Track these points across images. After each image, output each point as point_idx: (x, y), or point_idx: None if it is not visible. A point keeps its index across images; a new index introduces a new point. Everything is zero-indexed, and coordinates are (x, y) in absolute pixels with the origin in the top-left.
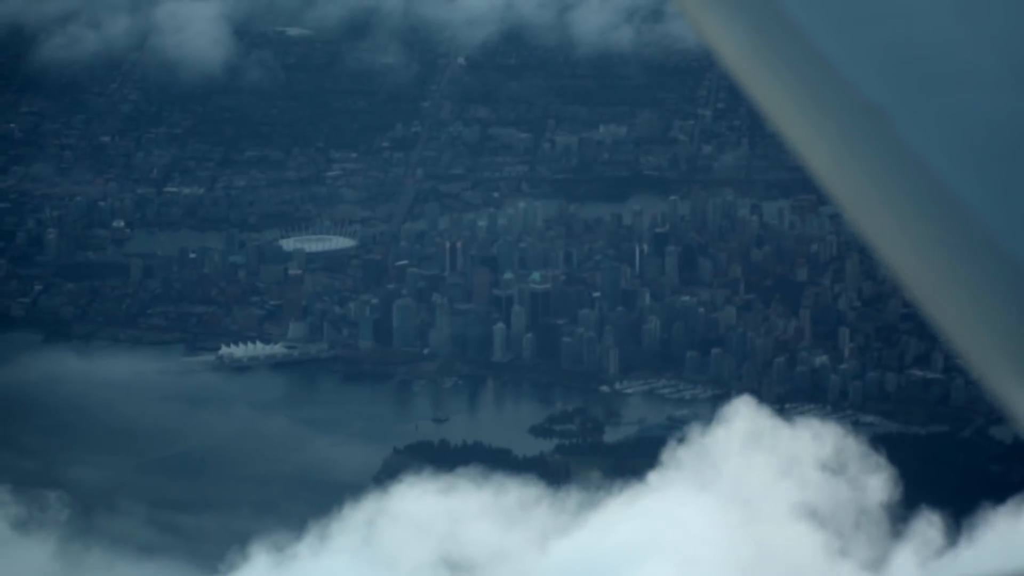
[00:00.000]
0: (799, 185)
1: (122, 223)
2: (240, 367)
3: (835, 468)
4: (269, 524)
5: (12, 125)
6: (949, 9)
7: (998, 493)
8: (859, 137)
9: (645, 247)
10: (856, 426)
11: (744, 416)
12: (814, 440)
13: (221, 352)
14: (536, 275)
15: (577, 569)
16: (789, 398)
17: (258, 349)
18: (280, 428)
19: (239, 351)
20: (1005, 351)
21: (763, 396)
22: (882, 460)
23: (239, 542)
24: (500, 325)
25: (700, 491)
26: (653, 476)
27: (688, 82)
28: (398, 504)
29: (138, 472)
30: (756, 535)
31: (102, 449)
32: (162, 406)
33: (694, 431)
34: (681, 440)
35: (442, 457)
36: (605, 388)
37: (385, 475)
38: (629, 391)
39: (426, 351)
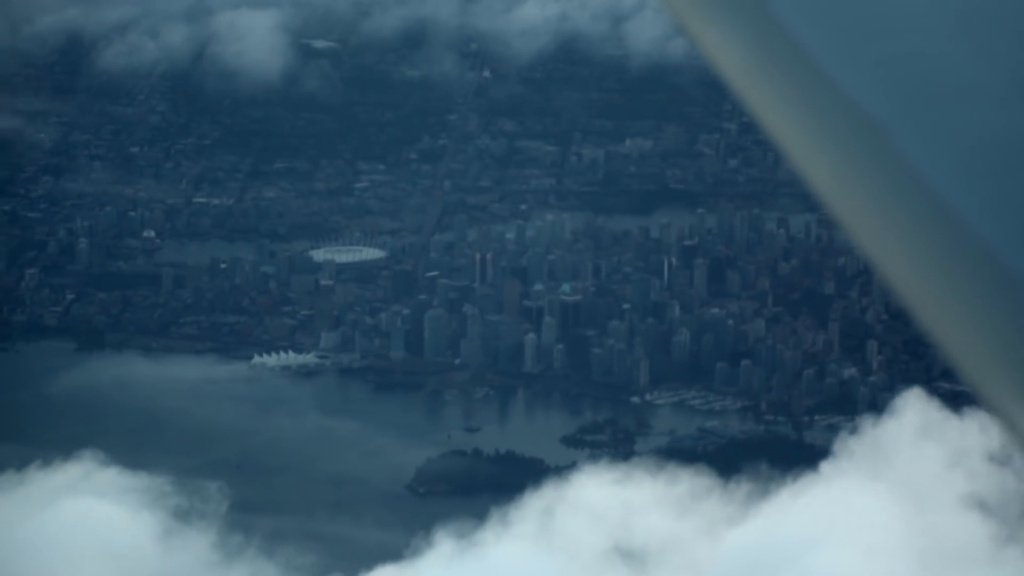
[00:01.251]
0: None
1: (152, 233)
2: (307, 372)
3: (1002, 460)
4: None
5: (42, 135)
6: (949, 23)
7: None
8: (858, 152)
9: (673, 259)
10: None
11: (914, 408)
12: (981, 432)
13: (253, 362)
14: (566, 286)
15: (754, 556)
16: (818, 410)
17: (290, 359)
18: (354, 431)
19: (271, 360)
20: (1003, 366)
21: (792, 408)
22: None
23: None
24: (531, 336)
25: (872, 480)
26: (825, 466)
27: (713, 96)
28: (575, 493)
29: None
30: (927, 524)
31: (191, 450)
32: (237, 408)
33: (864, 422)
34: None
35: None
36: (635, 399)
37: (418, 483)
38: (659, 402)
39: (457, 361)
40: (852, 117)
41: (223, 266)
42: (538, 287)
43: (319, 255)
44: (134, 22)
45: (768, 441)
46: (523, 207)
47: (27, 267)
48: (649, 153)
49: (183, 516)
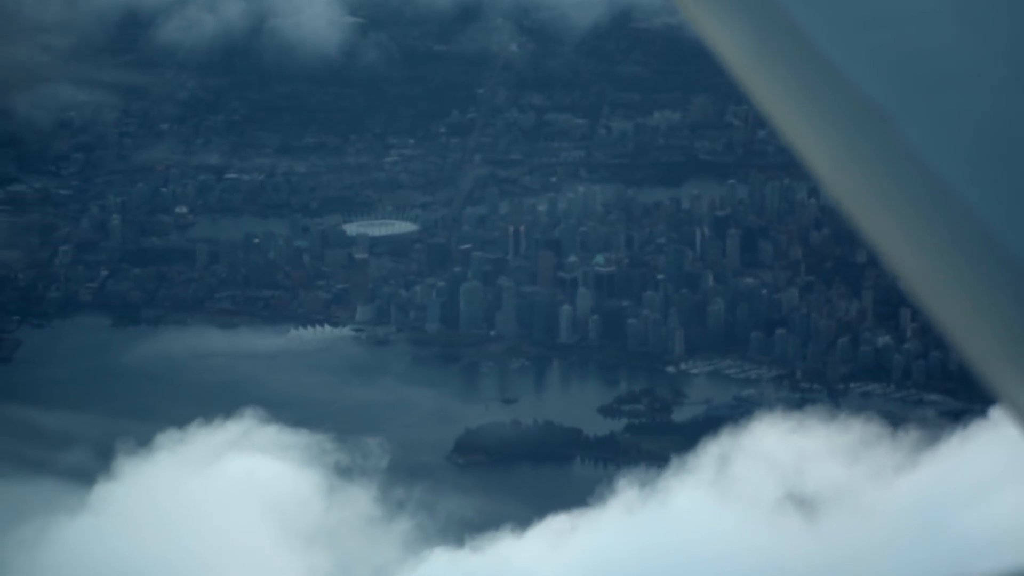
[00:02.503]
0: None
1: (185, 209)
2: (378, 341)
3: None
4: None
5: (72, 113)
6: (951, 10)
7: None
8: (860, 138)
9: (706, 230)
10: (920, 405)
11: None
12: None
13: (290, 335)
14: (600, 258)
15: (929, 501)
16: (853, 378)
17: (326, 332)
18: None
19: (307, 334)
20: (1006, 350)
21: (827, 376)
22: None
23: None
24: (566, 307)
25: None
26: (994, 411)
27: None
28: (749, 441)
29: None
30: None
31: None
32: (315, 377)
33: None
34: None
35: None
36: (671, 369)
37: (457, 454)
38: (694, 372)
39: (493, 333)
40: (854, 103)
41: (256, 241)
42: (571, 259)
43: (352, 229)
44: None
45: (804, 409)
46: (553, 179)
47: (61, 244)
48: (678, 125)
49: (344, 472)
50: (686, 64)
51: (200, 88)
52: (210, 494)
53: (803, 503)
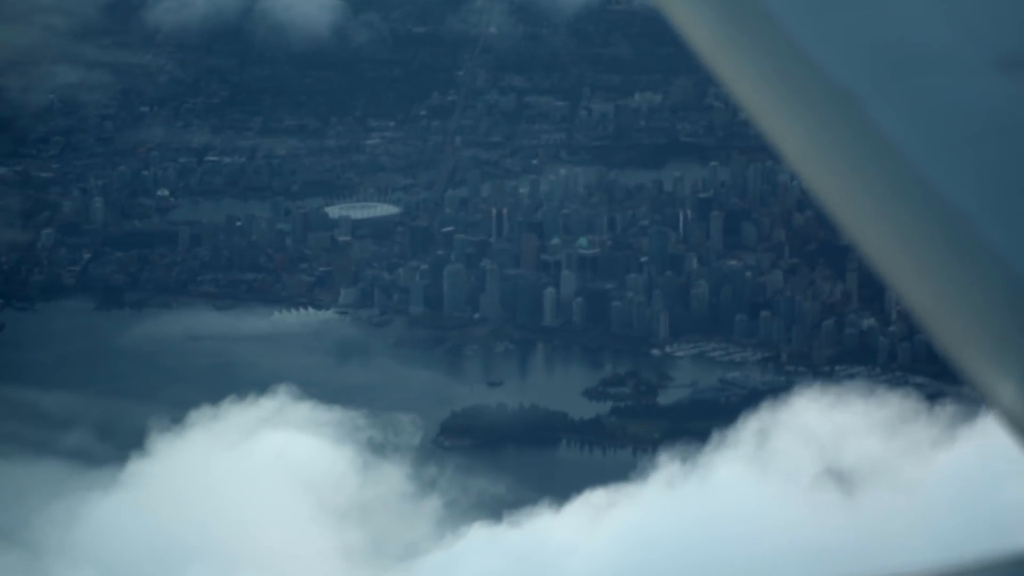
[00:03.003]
0: None
1: (166, 192)
2: (377, 323)
3: None
4: None
5: (52, 96)
6: None
7: None
8: (829, 121)
9: (688, 212)
10: (905, 387)
11: None
12: None
13: (274, 318)
14: (583, 240)
15: (967, 474)
16: (839, 360)
17: (310, 315)
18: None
19: (291, 317)
20: (980, 337)
21: (813, 358)
22: None
23: None
24: (550, 290)
25: None
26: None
27: None
28: (788, 415)
29: None
30: None
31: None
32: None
33: None
34: None
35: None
36: (655, 351)
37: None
38: (679, 354)
39: (476, 316)
40: (823, 86)
41: (239, 224)
42: (555, 241)
43: (334, 212)
44: None
45: (790, 391)
46: (535, 162)
47: (43, 227)
48: (658, 107)
49: (377, 448)
50: (666, 46)
51: (180, 70)
52: (244, 471)
53: (841, 477)
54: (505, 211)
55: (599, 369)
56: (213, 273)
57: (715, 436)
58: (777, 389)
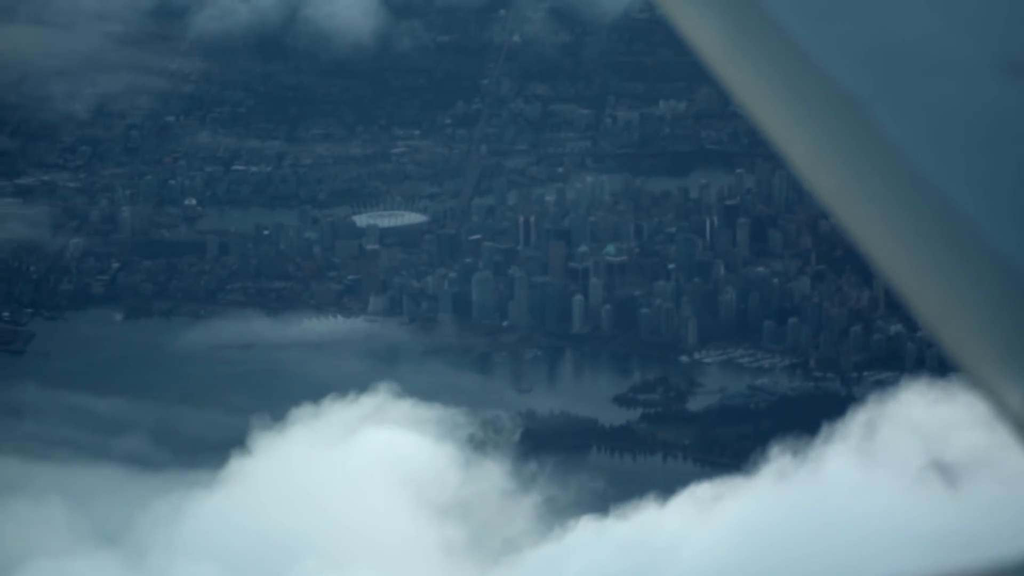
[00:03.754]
0: None
1: (194, 201)
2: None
3: None
4: None
5: (77, 105)
6: None
7: None
8: (836, 127)
9: (715, 219)
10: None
11: None
12: None
13: (303, 327)
14: (611, 248)
15: None
16: (867, 366)
17: (339, 323)
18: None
19: (320, 325)
20: (986, 342)
21: (841, 364)
22: None
23: None
24: (578, 297)
25: None
26: None
27: None
28: (895, 409)
29: None
30: None
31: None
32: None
33: None
34: None
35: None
36: (684, 358)
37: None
38: (708, 361)
39: (505, 323)
40: (830, 93)
41: (266, 232)
42: (582, 249)
43: (361, 220)
44: None
45: (819, 397)
46: (560, 170)
47: (71, 237)
48: (683, 115)
49: (478, 446)
50: (689, 54)
51: (205, 80)
52: (347, 468)
53: (946, 470)
54: (532, 219)
55: (629, 376)
56: (242, 282)
57: (824, 429)
58: (806, 395)
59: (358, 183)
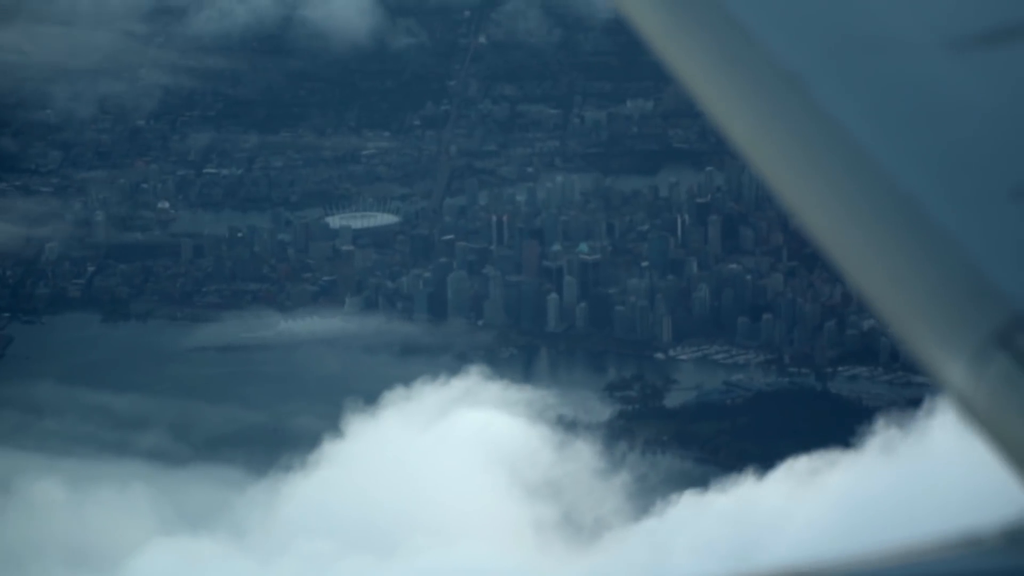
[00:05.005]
0: None
1: (167, 204)
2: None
3: None
4: None
5: (48, 111)
6: None
7: None
8: (778, 106)
9: (686, 217)
10: (908, 387)
11: None
12: None
13: (279, 328)
14: (584, 246)
15: None
16: (841, 361)
17: (315, 324)
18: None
19: (297, 326)
20: (928, 318)
21: (815, 359)
22: None
23: None
24: (553, 296)
25: None
26: None
27: None
28: None
29: None
30: None
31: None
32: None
33: None
34: None
35: None
36: (659, 355)
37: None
38: (683, 358)
39: (480, 323)
40: (772, 71)
41: (240, 235)
42: (555, 247)
43: (334, 221)
44: None
45: (794, 392)
46: (530, 170)
47: (46, 241)
48: (650, 114)
49: (569, 426)
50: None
51: (175, 84)
52: (440, 448)
53: None
54: (505, 218)
55: (604, 373)
56: (217, 284)
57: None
58: (781, 391)
59: (329, 185)
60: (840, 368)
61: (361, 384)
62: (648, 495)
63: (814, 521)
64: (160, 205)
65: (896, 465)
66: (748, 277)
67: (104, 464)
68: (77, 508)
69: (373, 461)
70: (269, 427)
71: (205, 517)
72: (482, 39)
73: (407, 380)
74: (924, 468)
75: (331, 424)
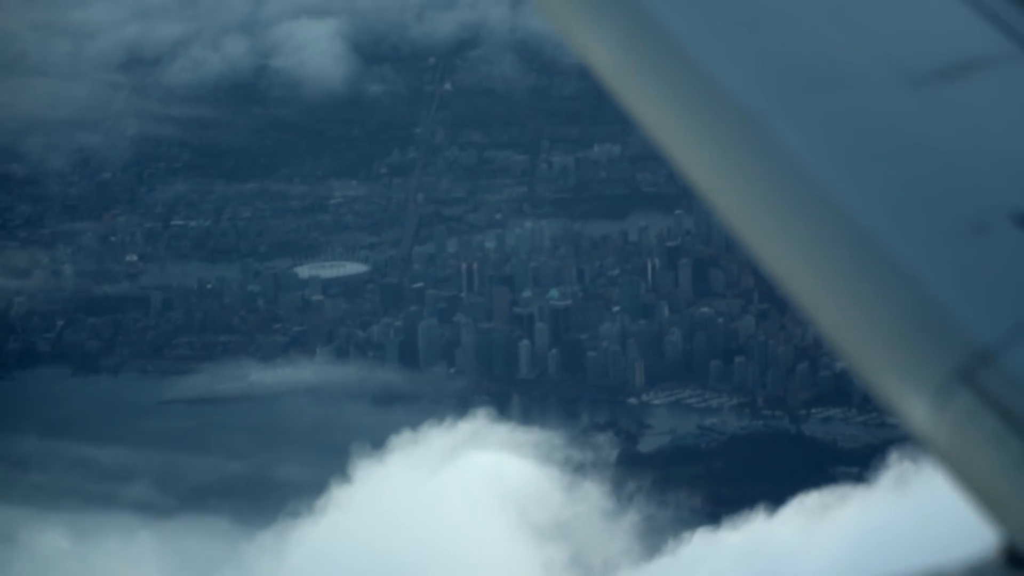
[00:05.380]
0: None
1: (135, 257)
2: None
3: None
4: None
5: (14, 165)
6: (822, 11)
7: None
8: (736, 144)
9: (656, 261)
10: (882, 428)
11: None
12: None
13: (251, 379)
14: (555, 292)
15: None
16: (814, 403)
17: (287, 375)
18: None
19: (269, 377)
20: (887, 355)
21: (788, 402)
22: None
23: None
24: (524, 342)
25: None
26: None
27: None
28: None
29: None
30: None
31: None
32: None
33: None
34: None
35: None
36: (632, 400)
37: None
38: (656, 402)
39: (452, 370)
40: (728, 108)
41: (210, 286)
42: (526, 294)
43: (304, 272)
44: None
45: (769, 435)
46: (498, 216)
47: (15, 295)
48: (618, 158)
49: (577, 468)
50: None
51: (140, 137)
52: (449, 491)
53: None
54: (475, 266)
55: (577, 419)
56: (187, 336)
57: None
58: (756, 434)
59: (298, 235)
60: (814, 410)
61: (339, 433)
62: (658, 534)
63: (827, 556)
64: (128, 258)
65: (909, 499)
66: (720, 320)
67: (96, 516)
68: (83, 559)
69: (382, 505)
70: (254, 477)
71: (213, 566)
72: (447, 86)
73: (384, 428)
74: (937, 502)
75: (314, 472)
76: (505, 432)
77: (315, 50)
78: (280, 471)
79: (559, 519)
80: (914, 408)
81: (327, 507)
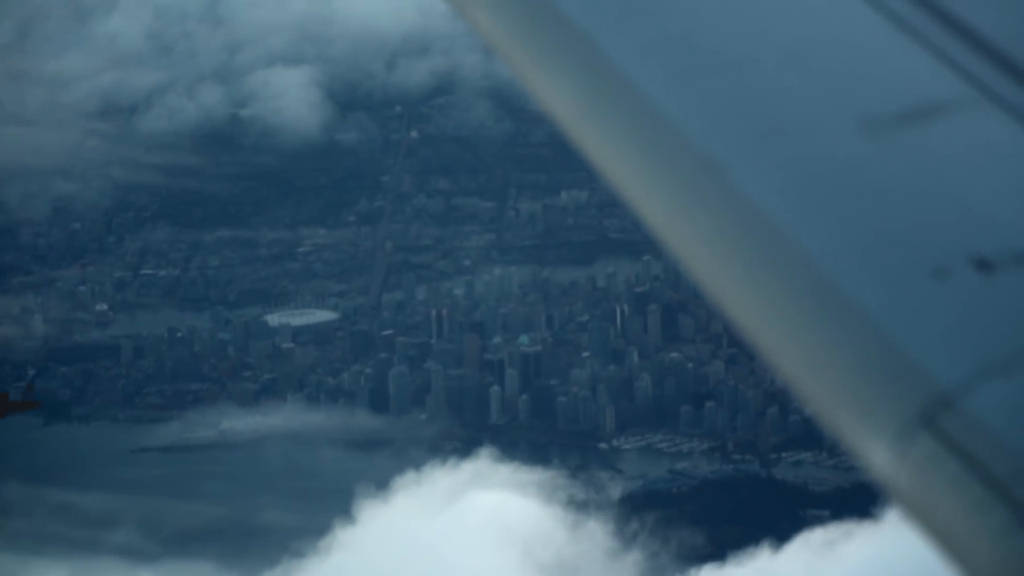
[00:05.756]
0: None
1: (105, 306)
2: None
3: None
4: None
5: None
6: (781, 57)
7: None
8: (695, 192)
9: (625, 307)
10: (852, 472)
11: None
12: None
13: (223, 427)
14: (524, 338)
15: None
16: (785, 447)
17: (259, 422)
18: None
19: (240, 425)
20: (848, 400)
21: (759, 446)
22: None
23: None
24: (495, 388)
25: None
26: None
27: None
28: None
29: None
30: None
31: None
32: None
33: None
34: None
35: None
36: (603, 445)
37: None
38: (627, 447)
39: (423, 417)
40: (688, 156)
41: (180, 335)
42: (496, 340)
43: (274, 319)
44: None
45: (740, 479)
46: (467, 263)
47: None
48: (586, 204)
49: (580, 507)
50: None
51: (114, 185)
52: (453, 531)
53: None
54: (444, 312)
55: (548, 465)
56: (158, 385)
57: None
58: (726, 478)
59: (267, 283)
60: (784, 454)
61: (316, 478)
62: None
63: None
64: (99, 307)
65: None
66: (689, 365)
67: (84, 561)
68: None
69: (387, 546)
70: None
71: None
72: (414, 133)
73: (360, 473)
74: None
75: (295, 517)
76: (508, 472)
77: (290, 98)
78: (261, 516)
79: (562, 558)
80: (876, 453)
81: (332, 548)
